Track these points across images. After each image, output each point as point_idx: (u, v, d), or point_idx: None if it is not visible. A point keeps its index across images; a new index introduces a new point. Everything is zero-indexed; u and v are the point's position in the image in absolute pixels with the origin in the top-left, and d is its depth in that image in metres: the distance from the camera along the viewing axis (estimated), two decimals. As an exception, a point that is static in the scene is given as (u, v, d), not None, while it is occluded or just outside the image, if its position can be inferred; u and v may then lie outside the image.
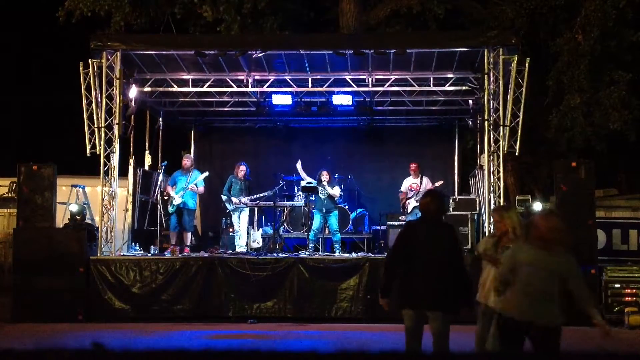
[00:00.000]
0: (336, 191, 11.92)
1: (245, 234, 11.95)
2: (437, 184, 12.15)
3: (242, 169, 12.10)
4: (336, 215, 11.75)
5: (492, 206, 10.39)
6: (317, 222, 11.67)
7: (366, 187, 14.09)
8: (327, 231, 11.99)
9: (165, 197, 11.82)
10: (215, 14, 15.22)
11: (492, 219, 5.98)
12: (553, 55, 14.81)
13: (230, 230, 12.65)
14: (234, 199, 11.90)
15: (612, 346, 3.68)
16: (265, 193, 12.08)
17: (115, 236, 10.76)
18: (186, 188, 11.52)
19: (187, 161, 11.86)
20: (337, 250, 11.47)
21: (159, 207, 11.94)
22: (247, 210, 12.06)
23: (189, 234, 11.81)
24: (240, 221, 11.96)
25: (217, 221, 13.37)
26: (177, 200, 11.50)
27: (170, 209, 11.58)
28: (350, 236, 12.92)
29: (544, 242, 4.65)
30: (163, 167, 12.35)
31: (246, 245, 11.87)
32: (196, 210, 12.40)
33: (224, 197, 12.10)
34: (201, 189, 11.84)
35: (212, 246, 12.40)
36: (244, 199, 11.93)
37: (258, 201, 12.12)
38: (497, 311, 4.84)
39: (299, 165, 12.36)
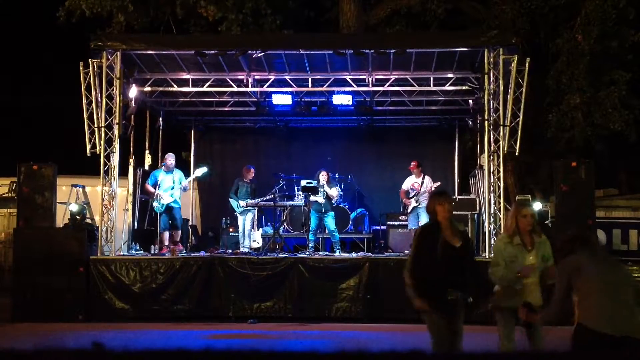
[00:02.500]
0: (334, 192, 11.93)
1: (250, 235, 12.06)
2: (434, 185, 12.12)
3: (252, 172, 12.31)
4: (332, 215, 11.74)
5: (492, 206, 10.41)
6: (313, 222, 11.67)
7: (366, 187, 14.10)
8: (325, 231, 12.00)
9: (143, 198, 11.85)
10: (219, 12, 15.23)
11: (512, 215, 5.41)
12: (553, 55, 14.82)
13: (231, 229, 12.76)
14: (241, 202, 11.96)
15: None
16: (273, 195, 12.15)
17: (115, 236, 10.74)
18: (180, 187, 11.53)
19: (172, 160, 11.72)
20: (337, 251, 11.46)
21: (159, 207, 11.95)
22: (254, 211, 12.15)
23: (180, 232, 11.83)
24: (245, 223, 12.07)
25: (217, 221, 13.38)
26: (168, 199, 11.44)
27: (158, 209, 11.45)
28: (350, 236, 12.92)
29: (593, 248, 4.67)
30: (163, 167, 12.34)
31: (247, 245, 11.94)
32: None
33: (231, 200, 12.14)
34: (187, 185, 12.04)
35: (212, 246, 12.41)
36: (252, 201, 12.02)
37: (258, 202, 12.15)
38: (580, 323, 4.40)
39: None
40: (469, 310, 5.23)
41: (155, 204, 11.48)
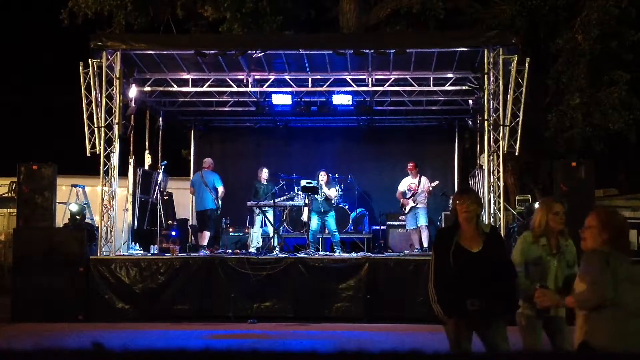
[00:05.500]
0: (332, 192, 11.92)
1: (259, 233, 12.34)
2: (432, 184, 12.12)
3: (265, 172, 12.61)
4: (333, 216, 11.75)
5: (492, 206, 10.41)
6: (314, 223, 11.67)
7: (366, 187, 14.09)
8: (326, 231, 12.00)
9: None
10: (217, 13, 15.23)
11: (542, 212, 4.82)
12: (553, 55, 14.82)
13: (231, 229, 12.82)
14: (261, 202, 12.08)
15: None
16: (289, 195, 12.31)
17: (115, 236, 10.75)
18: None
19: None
20: (337, 251, 11.46)
21: (159, 207, 11.96)
22: (271, 210, 12.28)
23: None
24: (267, 220, 12.27)
25: (217, 221, 13.37)
26: None
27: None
28: (350, 236, 12.92)
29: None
30: (163, 167, 12.38)
31: (251, 244, 12.07)
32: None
33: (251, 203, 12.15)
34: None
35: (212, 246, 12.42)
36: (251, 202, 12.15)
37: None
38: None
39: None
40: (506, 318, 4.64)
41: (217, 203, 11.77)
